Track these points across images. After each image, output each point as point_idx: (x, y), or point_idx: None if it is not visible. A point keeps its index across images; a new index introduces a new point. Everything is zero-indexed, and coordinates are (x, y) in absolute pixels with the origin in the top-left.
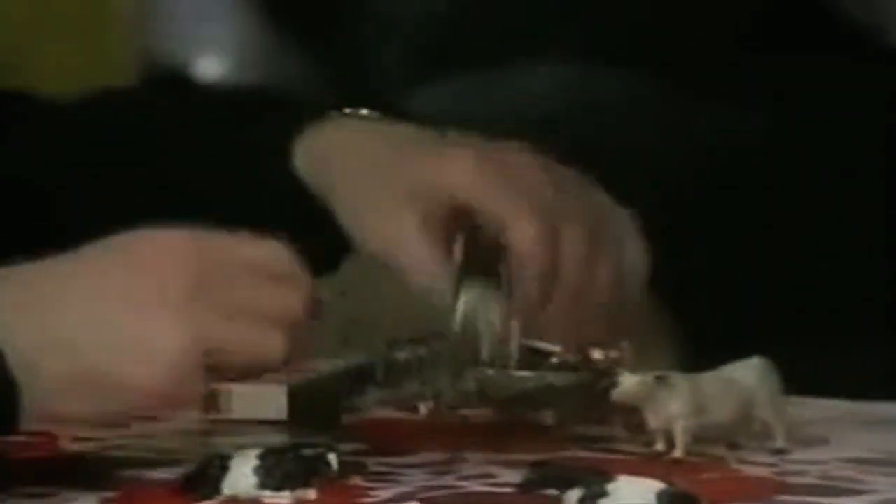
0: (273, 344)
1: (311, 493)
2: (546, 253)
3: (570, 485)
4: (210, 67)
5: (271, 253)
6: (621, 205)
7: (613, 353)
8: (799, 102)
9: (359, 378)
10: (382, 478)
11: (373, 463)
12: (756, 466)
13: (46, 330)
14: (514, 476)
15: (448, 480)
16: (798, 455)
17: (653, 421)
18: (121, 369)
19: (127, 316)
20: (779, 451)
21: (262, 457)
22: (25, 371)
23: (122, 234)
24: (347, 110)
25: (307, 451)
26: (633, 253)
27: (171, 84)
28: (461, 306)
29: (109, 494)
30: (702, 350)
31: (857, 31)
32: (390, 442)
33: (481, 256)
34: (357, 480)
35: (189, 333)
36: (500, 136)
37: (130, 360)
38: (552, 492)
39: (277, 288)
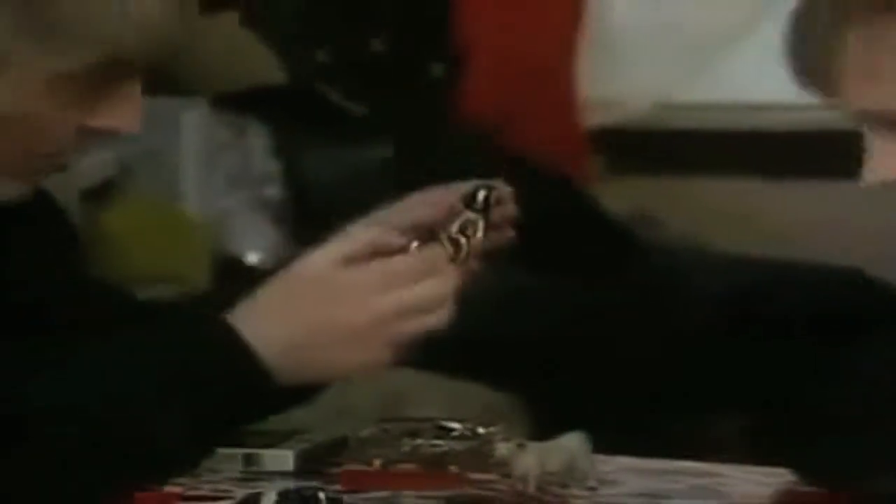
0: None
1: None
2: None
3: None
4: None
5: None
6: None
7: (492, 429)
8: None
9: (338, 446)
10: None
11: (347, 498)
12: (576, 498)
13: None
14: None
15: None
16: (602, 491)
17: (516, 471)
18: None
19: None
20: (590, 489)
21: (279, 494)
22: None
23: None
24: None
25: (306, 491)
26: None
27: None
28: None
29: None
30: (546, 427)
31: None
32: (357, 485)
33: None
34: None
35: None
36: None
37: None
38: None
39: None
